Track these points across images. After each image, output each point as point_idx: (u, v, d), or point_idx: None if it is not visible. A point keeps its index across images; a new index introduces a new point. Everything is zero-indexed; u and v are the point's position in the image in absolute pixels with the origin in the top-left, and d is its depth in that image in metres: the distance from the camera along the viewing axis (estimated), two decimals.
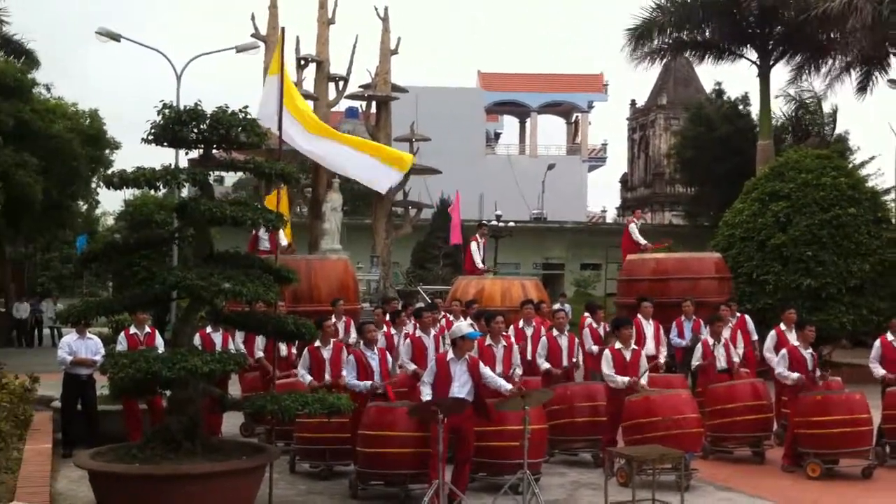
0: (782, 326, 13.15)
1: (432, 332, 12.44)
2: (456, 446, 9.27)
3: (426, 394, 9.21)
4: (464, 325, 10.00)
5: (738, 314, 14.79)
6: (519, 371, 11.31)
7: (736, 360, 12.71)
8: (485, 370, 9.44)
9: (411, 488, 9.38)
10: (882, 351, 12.14)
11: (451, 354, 9.37)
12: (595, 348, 13.42)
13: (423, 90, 42.15)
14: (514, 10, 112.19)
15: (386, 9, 27.35)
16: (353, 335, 13.42)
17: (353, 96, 27.95)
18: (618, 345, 11.26)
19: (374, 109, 27.41)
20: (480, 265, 18.76)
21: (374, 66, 27.28)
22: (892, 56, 29.89)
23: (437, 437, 8.43)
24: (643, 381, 11.03)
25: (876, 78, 30.83)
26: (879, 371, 12.01)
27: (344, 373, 10.46)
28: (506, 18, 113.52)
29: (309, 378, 10.76)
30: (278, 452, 9.38)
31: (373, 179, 10.70)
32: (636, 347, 11.51)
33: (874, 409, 11.21)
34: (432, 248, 32.21)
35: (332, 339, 11.38)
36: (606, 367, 11.05)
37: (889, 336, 12.24)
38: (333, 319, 13.27)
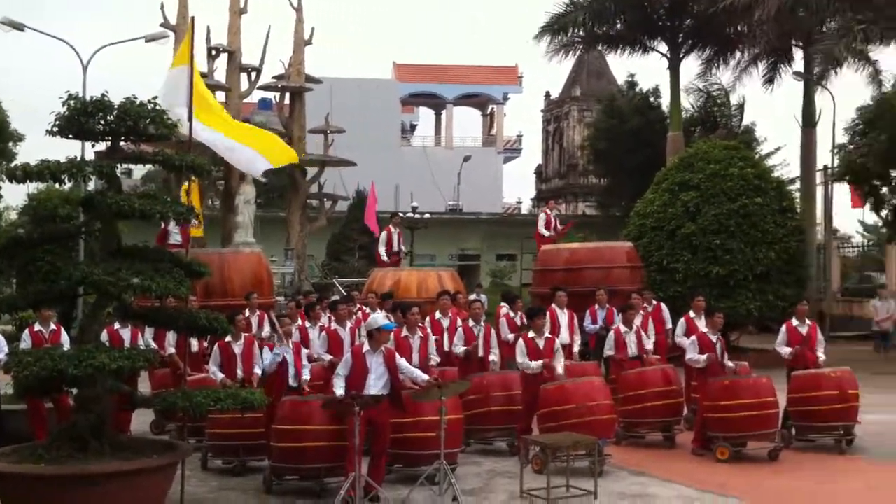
0: (692, 314, 13.42)
1: (348, 324, 12.40)
2: (372, 438, 9.24)
3: (339, 386, 9.16)
4: (379, 317, 9.97)
5: (655, 302, 15.08)
6: (436, 359, 11.32)
7: (648, 347, 12.97)
8: (401, 362, 9.42)
9: (327, 482, 9.32)
10: (787, 336, 12.52)
11: (366, 346, 9.34)
12: (511, 336, 13.53)
13: (338, 81, 41.85)
14: (429, 1, 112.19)
15: None
16: (267, 329, 13.28)
17: (266, 87, 27.55)
18: (531, 333, 11.40)
19: (287, 101, 27.08)
20: (384, 258, 18.75)
21: (288, 56, 26.95)
22: (797, 48, 30.80)
23: (353, 429, 8.40)
24: (559, 368, 11.17)
25: (781, 70, 31.75)
26: (785, 349, 12.37)
27: (257, 369, 10.34)
28: (421, 9, 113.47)
29: (221, 375, 10.59)
30: (190, 449, 9.21)
31: (249, 167, 10.67)
32: (549, 336, 11.66)
33: (780, 393, 11.55)
34: (348, 240, 32.02)
35: (243, 334, 11.22)
36: (520, 356, 11.18)
37: (794, 321, 12.62)
38: (247, 313, 13.12)
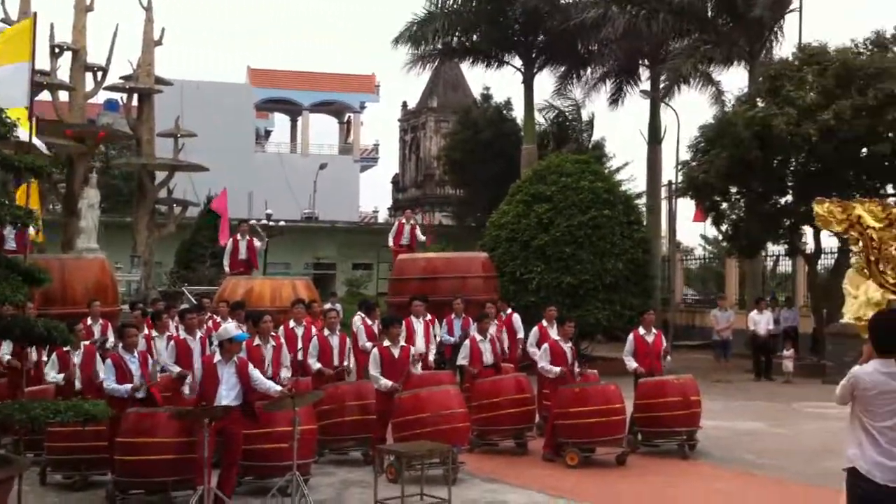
0: (544, 322, 13.68)
1: (198, 333, 12.00)
2: (223, 450, 8.97)
3: (188, 392, 8.86)
4: (231, 327, 9.71)
5: (508, 311, 15.28)
6: (286, 374, 11.04)
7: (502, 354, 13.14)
8: (254, 372, 9.18)
9: (174, 496, 8.97)
10: (635, 345, 12.88)
11: (218, 357, 9.07)
12: (369, 345, 13.45)
13: (190, 84, 40.82)
14: (285, 6, 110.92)
15: None
16: (112, 338, 12.73)
17: (112, 88, 26.58)
18: (386, 342, 11.34)
19: (135, 102, 26.17)
20: (226, 269, 18.34)
21: (137, 57, 26.07)
22: (643, 68, 32.02)
23: (203, 441, 8.13)
24: (416, 370, 11.18)
25: (628, 89, 32.94)
26: (632, 364, 12.73)
27: (102, 376, 9.86)
28: (277, 14, 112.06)
29: (59, 377, 10.05)
30: (27, 464, 8.71)
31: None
32: (405, 345, 11.63)
33: (627, 400, 11.87)
34: (198, 247, 31.09)
35: (83, 343, 10.69)
36: (374, 368, 11.09)
37: (641, 330, 13.00)
38: (89, 321, 12.55)
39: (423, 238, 20.54)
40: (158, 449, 8.87)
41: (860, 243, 3.84)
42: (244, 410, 8.96)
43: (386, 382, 10.92)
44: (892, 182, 21.78)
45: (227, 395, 8.87)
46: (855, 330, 19.64)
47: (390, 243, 19.71)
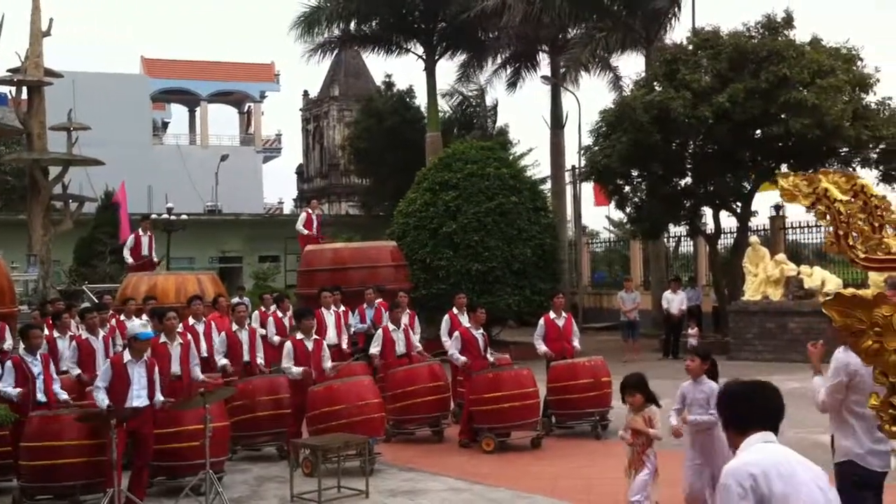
0: (455, 310, 13.70)
1: (101, 333, 11.66)
2: (134, 451, 8.74)
3: (101, 399, 8.59)
4: (136, 325, 9.44)
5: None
6: (195, 373, 10.73)
7: (415, 344, 13.13)
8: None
9: (83, 499, 8.70)
10: (546, 328, 13.02)
11: (127, 356, 8.82)
12: (277, 339, 13.28)
13: (82, 76, 39.47)
14: None
15: None
16: (9, 341, 12.24)
17: (0, 81, 25.51)
18: (299, 335, 11.21)
19: (25, 95, 25.18)
20: (129, 262, 17.96)
21: (24, 49, 25.06)
22: (543, 54, 32.33)
23: (111, 443, 7.89)
24: (327, 367, 11.08)
25: (527, 74, 33.21)
26: (542, 348, 12.86)
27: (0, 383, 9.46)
28: (170, 2, 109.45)
29: None
30: None
31: None
32: (318, 337, 11.53)
33: (540, 384, 11.99)
34: (98, 243, 30.18)
35: None
36: (287, 360, 10.96)
37: (552, 314, 13.15)
38: None
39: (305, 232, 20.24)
40: (65, 452, 8.59)
41: (827, 217, 3.84)
42: (154, 411, 8.78)
43: (297, 369, 10.79)
44: (785, 162, 22.47)
45: (139, 394, 8.65)
46: (755, 307, 20.34)
47: (303, 230, 19.45)
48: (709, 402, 7.04)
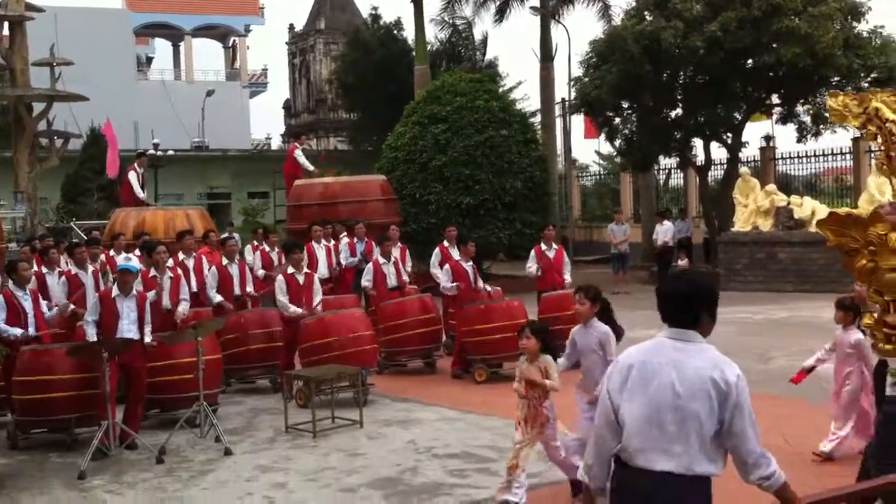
0: (445, 243, 13.67)
1: (90, 268, 11.60)
2: (127, 384, 8.77)
3: (91, 334, 8.61)
4: (120, 259, 9.43)
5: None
6: (184, 307, 10.67)
7: (405, 277, 13.13)
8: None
9: (78, 432, 8.72)
10: (537, 259, 13.04)
11: (116, 290, 8.79)
12: (262, 272, 13.29)
13: (63, 10, 38.66)
14: None
15: None
16: None
17: None
18: (290, 269, 11.19)
19: (6, 31, 24.73)
20: (141, 195, 17.84)
21: None
22: None
23: (104, 376, 7.90)
24: (317, 304, 11.10)
25: (513, 5, 32.70)
26: (533, 266, 13.00)
27: None
28: None
29: None
30: None
31: None
32: (308, 271, 11.51)
33: (531, 316, 12.01)
34: (85, 180, 29.96)
35: None
36: (280, 294, 10.96)
37: (542, 246, 13.15)
38: None
39: (311, 168, 20.14)
40: (58, 386, 8.59)
41: (878, 138, 3.72)
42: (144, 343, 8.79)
43: (295, 309, 10.81)
44: (776, 92, 22.33)
45: (129, 328, 8.65)
46: (745, 238, 20.38)
47: (309, 167, 19.57)
48: (602, 348, 6.53)
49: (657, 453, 3.47)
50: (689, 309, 3.63)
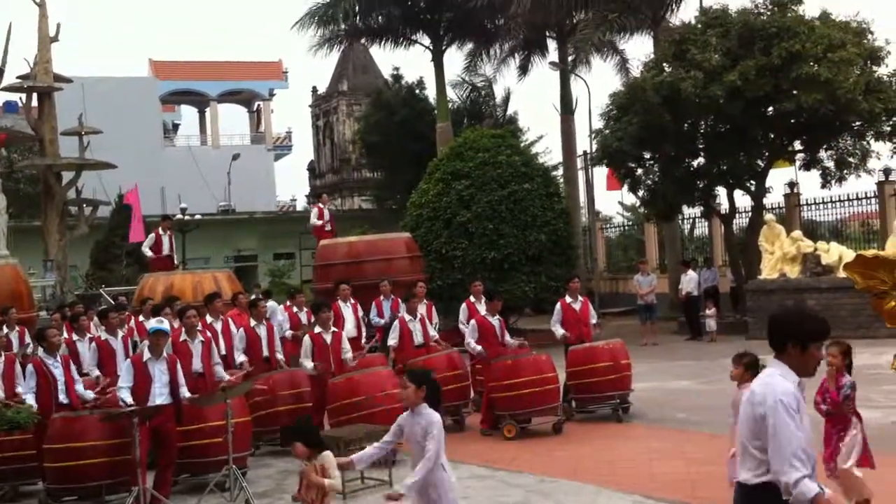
0: (471, 298, 13.67)
1: (120, 333, 11.69)
2: (158, 449, 8.77)
3: (125, 400, 8.63)
4: (151, 322, 9.49)
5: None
6: (219, 371, 10.72)
7: (432, 334, 13.12)
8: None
9: (109, 499, 8.73)
10: (563, 313, 12.97)
11: (147, 354, 8.85)
12: (289, 333, 13.33)
13: (91, 80, 39.57)
14: None
15: None
16: (30, 345, 12.31)
17: (10, 88, 25.58)
18: (318, 329, 11.23)
19: (35, 102, 25.29)
20: (148, 253, 18.05)
21: (33, 55, 25.16)
22: (550, 40, 32.20)
23: (135, 442, 7.93)
24: (348, 357, 11.12)
25: (536, 61, 33.10)
26: (560, 331, 12.83)
27: (20, 388, 9.51)
28: (177, 3, 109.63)
29: None
30: None
31: None
32: (336, 330, 11.54)
33: (559, 369, 11.97)
34: (113, 247, 30.37)
35: (2, 352, 10.30)
36: (304, 356, 10.99)
37: (568, 298, 13.10)
38: (6, 330, 12.13)
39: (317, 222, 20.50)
40: (89, 453, 8.62)
41: None
42: (177, 408, 8.79)
43: (310, 364, 10.86)
44: (798, 139, 22.32)
45: (161, 391, 8.68)
46: (773, 285, 20.23)
47: (317, 223, 19.73)
48: (427, 436, 5.76)
49: None
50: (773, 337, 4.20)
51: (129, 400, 8.61)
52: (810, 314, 4.23)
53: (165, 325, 9.38)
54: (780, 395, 3.99)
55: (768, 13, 21.18)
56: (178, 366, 9.02)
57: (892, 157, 21.59)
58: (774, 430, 3.95)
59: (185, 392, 8.95)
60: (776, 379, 4.09)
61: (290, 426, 7.76)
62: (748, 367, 6.93)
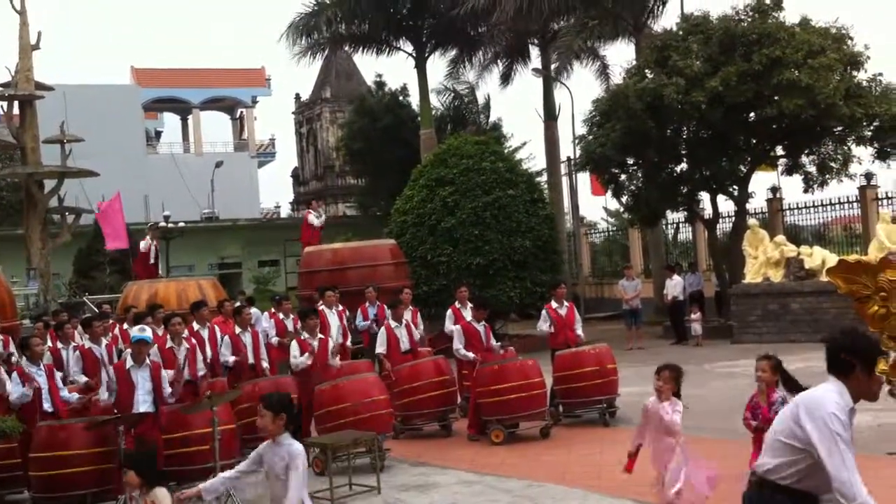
0: (457, 304, 13.69)
1: (104, 341, 11.65)
2: None
3: (107, 404, 8.61)
4: (134, 330, 9.48)
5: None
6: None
7: (418, 340, 13.14)
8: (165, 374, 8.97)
9: None
10: (549, 318, 13.02)
11: (130, 362, 8.82)
12: (276, 340, 13.32)
13: (73, 88, 39.40)
14: (165, 3, 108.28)
15: (22, 1, 25.14)
16: (14, 354, 12.23)
17: None
18: (304, 335, 11.23)
19: (16, 110, 25.16)
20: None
21: (14, 63, 25.03)
22: (533, 47, 32.30)
23: (120, 450, 7.90)
24: (336, 362, 11.14)
25: (519, 68, 33.18)
26: (544, 326, 12.94)
27: (9, 388, 9.46)
28: (159, 11, 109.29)
29: None
30: None
31: None
32: (322, 336, 11.54)
33: (546, 374, 11.99)
34: (96, 255, 30.18)
35: None
36: (293, 359, 10.98)
37: (553, 304, 13.15)
38: None
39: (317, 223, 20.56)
40: (75, 461, 8.59)
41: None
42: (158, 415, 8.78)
43: (303, 358, 10.91)
44: (780, 144, 22.47)
45: (145, 399, 8.65)
46: (757, 289, 20.33)
47: (315, 222, 19.80)
48: (289, 470, 5.32)
49: None
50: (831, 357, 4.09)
51: (110, 404, 8.58)
52: (873, 336, 4.10)
53: (148, 333, 9.36)
54: (832, 409, 3.93)
55: (749, 20, 21.32)
56: (163, 372, 8.99)
57: (873, 161, 21.76)
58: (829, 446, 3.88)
59: (167, 390, 8.93)
60: (833, 395, 4.01)
61: (130, 451, 7.61)
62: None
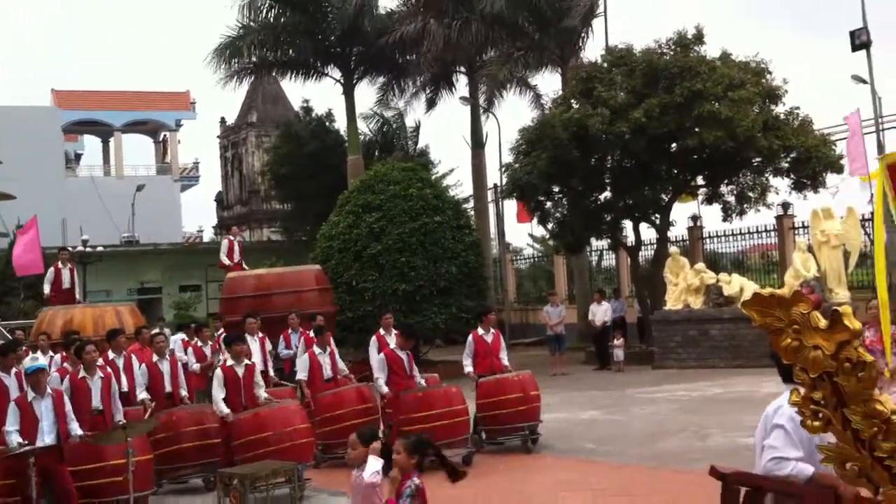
0: (381, 331, 13.59)
1: (13, 370, 11.23)
2: (51, 490, 8.42)
3: (13, 441, 8.28)
4: (26, 361, 9.19)
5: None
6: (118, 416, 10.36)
7: (341, 367, 12.98)
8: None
9: None
10: (474, 345, 12.98)
11: (31, 394, 8.53)
12: (197, 366, 13.04)
13: None
14: (88, 26, 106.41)
15: None
16: None
17: None
18: (230, 361, 11.00)
19: None
20: (48, 292, 17.56)
21: None
22: (461, 75, 32.55)
23: (30, 482, 7.61)
24: (262, 395, 10.91)
25: (445, 95, 33.37)
26: (468, 368, 12.79)
27: None
28: (81, 33, 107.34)
29: None
30: None
31: None
32: (249, 362, 11.32)
33: (469, 401, 11.95)
34: (11, 279, 29.32)
35: None
36: (217, 389, 10.72)
37: (480, 330, 13.12)
38: None
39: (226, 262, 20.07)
40: None
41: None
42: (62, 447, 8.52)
43: (224, 409, 10.52)
44: (701, 174, 22.95)
45: (50, 430, 8.38)
46: (677, 316, 20.65)
47: (225, 262, 19.23)
48: None
49: None
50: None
51: (17, 439, 8.26)
52: None
53: (41, 360, 9.09)
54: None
55: (671, 53, 21.78)
56: (66, 401, 8.72)
57: (790, 192, 22.35)
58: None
59: (75, 429, 8.65)
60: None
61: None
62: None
